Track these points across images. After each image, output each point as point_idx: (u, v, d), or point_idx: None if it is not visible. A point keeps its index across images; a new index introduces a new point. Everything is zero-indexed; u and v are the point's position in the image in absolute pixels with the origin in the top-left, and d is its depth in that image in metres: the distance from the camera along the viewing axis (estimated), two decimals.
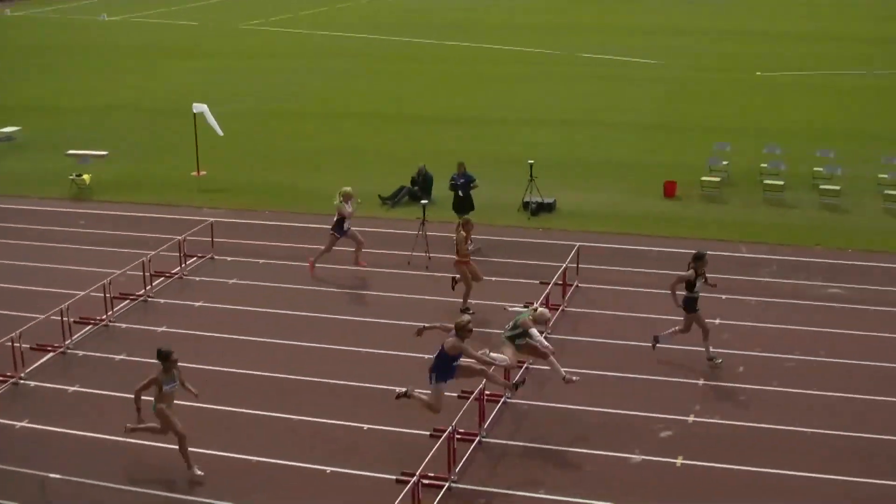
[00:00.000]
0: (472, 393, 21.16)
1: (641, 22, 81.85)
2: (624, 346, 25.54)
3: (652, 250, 32.06)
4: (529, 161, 35.46)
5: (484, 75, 61.16)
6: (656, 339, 25.02)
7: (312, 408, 22.52)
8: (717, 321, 26.74)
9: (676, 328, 24.76)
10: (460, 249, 27.15)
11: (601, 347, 25.57)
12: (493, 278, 29.44)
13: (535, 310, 22.46)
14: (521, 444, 21.10)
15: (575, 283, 29.01)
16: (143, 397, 19.80)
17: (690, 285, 24.17)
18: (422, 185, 36.41)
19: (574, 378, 22.11)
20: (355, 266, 30.66)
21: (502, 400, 22.53)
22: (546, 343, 22.31)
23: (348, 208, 29.94)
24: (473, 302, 27.52)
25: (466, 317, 20.92)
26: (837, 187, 37.53)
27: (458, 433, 20.08)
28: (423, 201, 31.96)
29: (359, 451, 20.89)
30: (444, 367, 20.54)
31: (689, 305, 24.38)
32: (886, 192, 37.32)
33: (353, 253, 30.79)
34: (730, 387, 23.51)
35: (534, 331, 21.92)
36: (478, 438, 21.08)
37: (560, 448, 20.84)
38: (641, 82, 58.26)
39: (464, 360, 20.75)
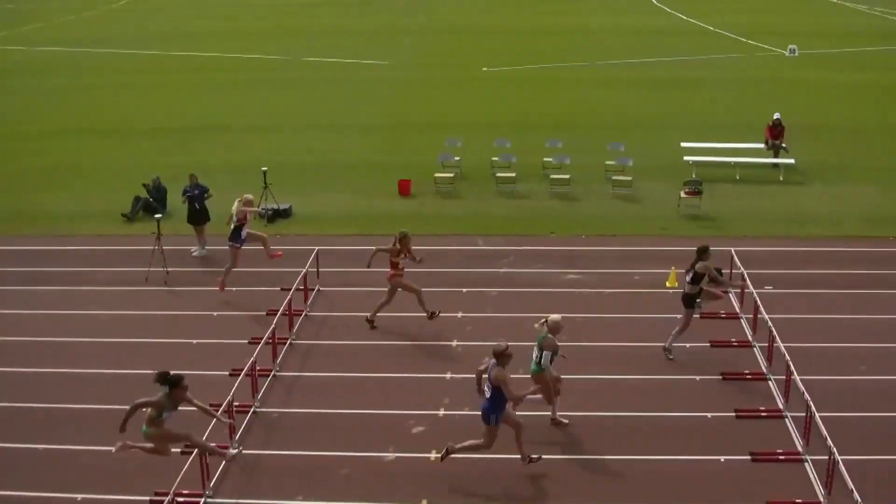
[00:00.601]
0: (220, 406, 20.80)
1: (366, 23, 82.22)
2: (370, 346, 25.62)
3: None
4: (263, 168, 35.19)
5: (211, 84, 60.21)
6: (667, 350, 24.93)
7: (56, 435, 21.78)
8: (460, 314, 27.09)
9: (677, 329, 24.84)
10: (393, 262, 26.27)
11: (347, 349, 25.57)
12: (234, 288, 29.15)
13: (545, 322, 21.58)
14: (274, 452, 20.88)
15: (316, 287, 28.92)
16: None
17: (697, 279, 24.30)
18: (156, 198, 35.75)
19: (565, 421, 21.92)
20: (270, 258, 29.71)
21: (252, 410, 22.28)
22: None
23: (249, 215, 29.12)
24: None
25: (504, 343, 20.04)
26: (567, 176, 38.48)
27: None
28: (157, 215, 31.31)
29: (109, 474, 20.30)
30: (500, 401, 19.69)
31: (689, 302, 24.60)
32: (614, 178, 38.47)
33: (261, 251, 29.84)
34: (474, 378, 23.74)
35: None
36: (229, 451, 20.79)
37: (314, 453, 20.72)
38: (369, 83, 58.51)
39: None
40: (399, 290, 26.53)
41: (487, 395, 19.73)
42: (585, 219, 35.08)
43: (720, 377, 23.85)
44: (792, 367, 21.81)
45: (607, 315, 27.23)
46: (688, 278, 24.57)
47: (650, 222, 34.74)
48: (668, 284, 29.17)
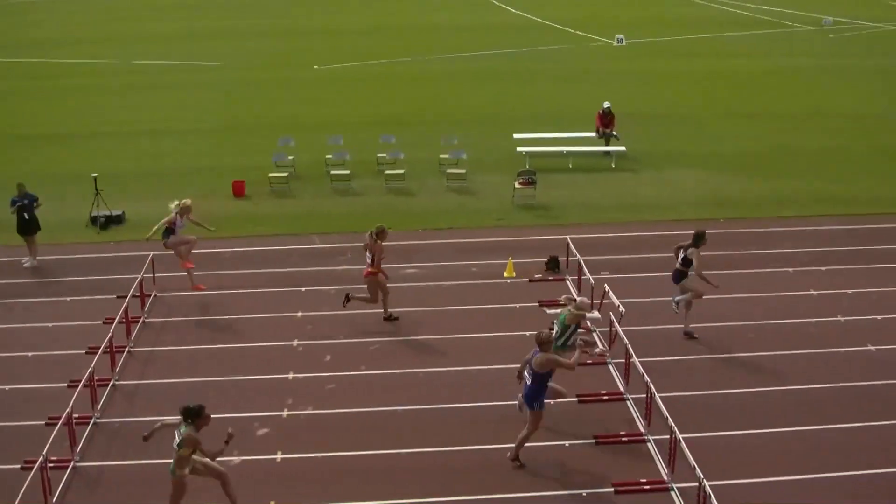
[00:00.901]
0: (59, 418, 20.31)
1: (194, 26, 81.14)
2: (210, 351, 25.31)
3: (226, 251, 31.91)
4: (93, 175, 34.55)
5: (38, 91, 58.49)
6: (688, 335, 25.63)
7: None
8: (300, 314, 26.97)
9: (684, 302, 25.67)
10: (376, 259, 26.13)
11: (188, 354, 25.21)
12: (68, 298, 28.57)
13: (574, 300, 22.16)
14: (117, 463, 20.49)
15: (153, 293, 28.47)
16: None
17: (687, 262, 25.06)
18: None
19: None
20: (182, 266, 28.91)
21: (92, 421, 21.81)
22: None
23: (179, 222, 28.34)
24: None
25: (547, 331, 20.24)
26: (402, 171, 38.54)
27: (51, 462, 19.24)
28: None
29: None
30: (542, 387, 19.84)
31: (678, 277, 25.39)
32: (448, 171, 38.68)
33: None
34: (319, 377, 23.71)
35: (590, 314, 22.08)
36: (71, 464, 20.32)
37: (157, 462, 20.31)
38: (201, 87, 57.70)
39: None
40: (371, 285, 26.57)
41: (528, 381, 19.87)
42: (421, 213, 35.19)
43: None
44: (631, 350, 22.18)
45: (446, 308, 27.34)
46: (679, 258, 25.32)
47: (486, 214, 35.02)
48: (506, 275, 29.43)
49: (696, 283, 25.34)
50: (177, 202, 28.80)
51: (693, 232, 25.29)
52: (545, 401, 20.01)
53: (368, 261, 26.29)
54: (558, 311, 23.37)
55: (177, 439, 17.73)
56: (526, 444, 20.09)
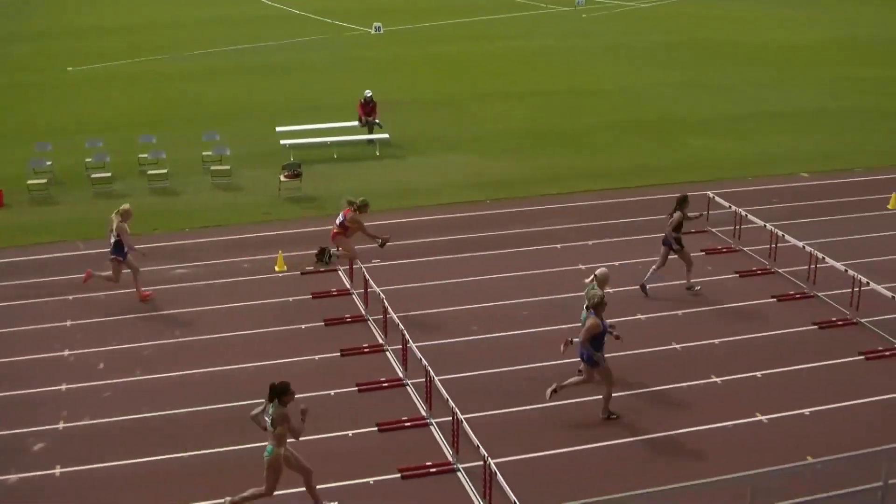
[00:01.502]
0: None
1: None
2: (8, 364, 24.42)
3: None
4: None
5: None
6: (644, 288, 27.14)
7: None
8: (69, 323, 26.32)
9: (655, 267, 27.10)
10: (355, 227, 27.04)
11: None
12: None
13: (596, 275, 22.34)
14: None
15: None
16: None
17: (678, 226, 26.62)
18: None
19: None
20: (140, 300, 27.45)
21: None
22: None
23: (128, 229, 26.69)
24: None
25: (600, 292, 21.15)
26: (165, 171, 37.93)
27: None
28: None
29: None
30: (597, 344, 20.72)
31: (667, 243, 26.86)
32: (212, 168, 38.24)
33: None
34: (93, 385, 23.15)
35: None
36: None
37: None
38: None
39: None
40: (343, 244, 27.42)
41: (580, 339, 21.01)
42: (187, 212, 34.70)
43: (339, 354, 24.13)
44: (407, 336, 22.34)
45: (219, 306, 27.05)
46: (670, 226, 26.58)
47: (253, 209, 34.74)
48: (277, 269, 29.26)
49: (665, 253, 26.98)
50: (116, 211, 27.32)
51: (676, 197, 27.08)
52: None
53: (338, 222, 27.11)
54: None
55: (268, 420, 17.62)
56: (312, 436, 20.08)
